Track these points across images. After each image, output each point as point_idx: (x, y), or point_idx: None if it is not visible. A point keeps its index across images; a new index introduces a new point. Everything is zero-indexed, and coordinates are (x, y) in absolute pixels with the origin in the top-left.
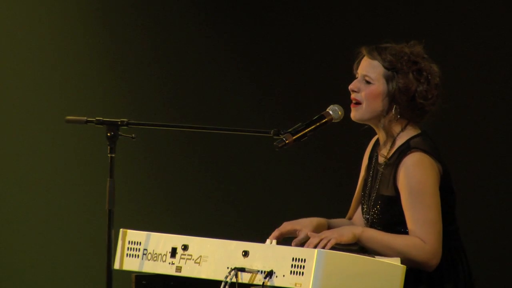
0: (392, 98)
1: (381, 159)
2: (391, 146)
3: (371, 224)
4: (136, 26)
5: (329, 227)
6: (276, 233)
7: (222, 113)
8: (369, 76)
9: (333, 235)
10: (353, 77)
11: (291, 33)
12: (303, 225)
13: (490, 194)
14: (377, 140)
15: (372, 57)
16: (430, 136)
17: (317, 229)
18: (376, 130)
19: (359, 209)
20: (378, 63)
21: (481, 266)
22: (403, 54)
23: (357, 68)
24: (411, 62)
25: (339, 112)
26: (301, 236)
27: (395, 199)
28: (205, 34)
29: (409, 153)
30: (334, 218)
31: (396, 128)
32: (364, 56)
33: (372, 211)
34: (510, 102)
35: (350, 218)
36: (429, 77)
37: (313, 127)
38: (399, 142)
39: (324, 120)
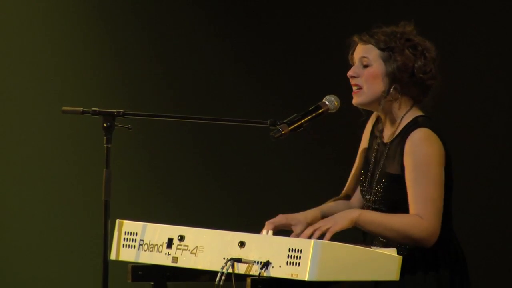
0: (392, 77)
1: (386, 139)
2: (396, 127)
3: (372, 203)
4: (132, 17)
5: (323, 218)
6: (269, 226)
7: (218, 103)
8: (367, 57)
9: (327, 225)
10: (349, 67)
11: (287, 23)
12: (298, 220)
13: (489, 193)
14: (378, 119)
15: (365, 42)
16: (436, 123)
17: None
18: (380, 114)
19: (356, 187)
20: (372, 46)
21: (479, 264)
22: (395, 33)
23: (352, 58)
24: (404, 39)
25: (335, 103)
26: (297, 231)
27: (400, 177)
28: (201, 25)
29: (416, 129)
30: (328, 202)
31: (401, 110)
32: (357, 44)
33: (375, 190)
34: (509, 102)
35: (347, 196)
36: (425, 52)
37: (309, 117)
38: (405, 121)
39: (320, 111)
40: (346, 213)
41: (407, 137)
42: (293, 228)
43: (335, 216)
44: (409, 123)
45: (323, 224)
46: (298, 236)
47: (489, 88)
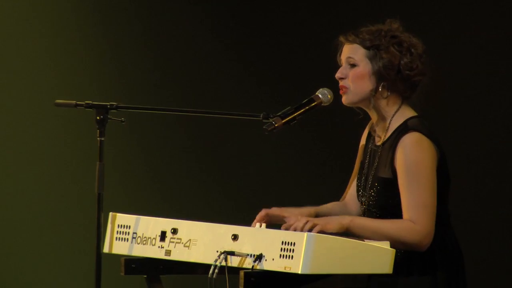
0: (379, 76)
1: (377, 141)
2: (387, 127)
3: (367, 206)
4: (126, 10)
5: (318, 216)
6: (262, 212)
7: (211, 97)
8: (353, 57)
9: (319, 222)
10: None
11: (280, 16)
12: (292, 212)
13: (485, 191)
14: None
15: (351, 41)
16: (427, 120)
17: None
18: (369, 113)
19: (352, 191)
20: (358, 46)
21: (476, 262)
22: (381, 31)
23: (340, 59)
24: (389, 36)
25: (329, 96)
26: (289, 222)
27: (392, 181)
28: (194, 20)
29: (407, 133)
30: (325, 204)
31: (390, 109)
32: (343, 44)
33: (369, 193)
34: (504, 99)
35: (346, 201)
36: (411, 48)
37: (302, 110)
38: (396, 123)
39: (314, 104)
40: (339, 218)
41: (398, 141)
42: (286, 219)
43: (329, 217)
44: (400, 125)
45: (315, 221)
46: (288, 227)
47: (485, 86)
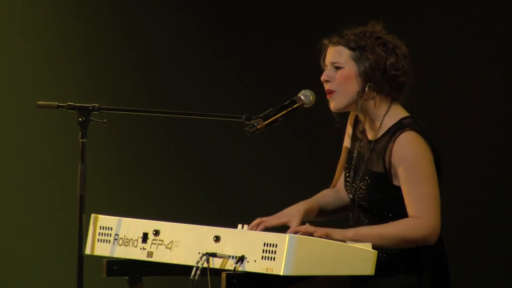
0: (365, 76)
1: (370, 137)
2: (379, 126)
3: (355, 198)
4: (109, 11)
5: (319, 207)
6: (261, 227)
7: (194, 98)
8: (338, 61)
9: (322, 232)
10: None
11: (264, 17)
12: (291, 215)
13: (472, 192)
14: (358, 119)
15: (335, 44)
16: (421, 120)
17: (307, 217)
18: (359, 115)
19: (343, 178)
20: (342, 47)
21: (461, 263)
22: (365, 32)
23: (324, 62)
24: (374, 37)
25: (311, 97)
26: (293, 226)
27: (384, 176)
28: (176, 20)
29: (402, 132)
30: (317, 192)
31: (379, 109)
32: (327, 47)
33: (358, 186)
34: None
35: (336, 187)
36: (396, 49)
37: (284, 112)
38: (389, 122)
39: (296, 105)
40: (343, 231)
41: (393, 139)
42: (289, 223)
43: (333, 230)
44: (394, 124)
45: (319, 229)
46: (295, 231)
47: (476, 86)
